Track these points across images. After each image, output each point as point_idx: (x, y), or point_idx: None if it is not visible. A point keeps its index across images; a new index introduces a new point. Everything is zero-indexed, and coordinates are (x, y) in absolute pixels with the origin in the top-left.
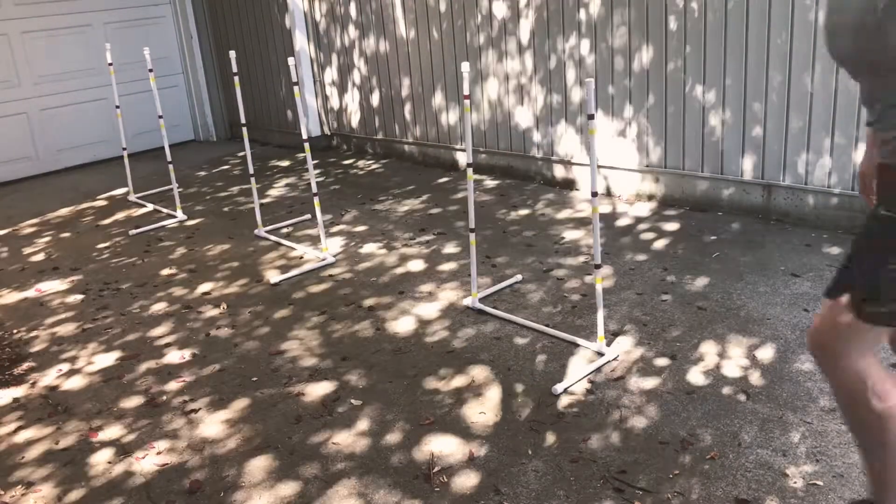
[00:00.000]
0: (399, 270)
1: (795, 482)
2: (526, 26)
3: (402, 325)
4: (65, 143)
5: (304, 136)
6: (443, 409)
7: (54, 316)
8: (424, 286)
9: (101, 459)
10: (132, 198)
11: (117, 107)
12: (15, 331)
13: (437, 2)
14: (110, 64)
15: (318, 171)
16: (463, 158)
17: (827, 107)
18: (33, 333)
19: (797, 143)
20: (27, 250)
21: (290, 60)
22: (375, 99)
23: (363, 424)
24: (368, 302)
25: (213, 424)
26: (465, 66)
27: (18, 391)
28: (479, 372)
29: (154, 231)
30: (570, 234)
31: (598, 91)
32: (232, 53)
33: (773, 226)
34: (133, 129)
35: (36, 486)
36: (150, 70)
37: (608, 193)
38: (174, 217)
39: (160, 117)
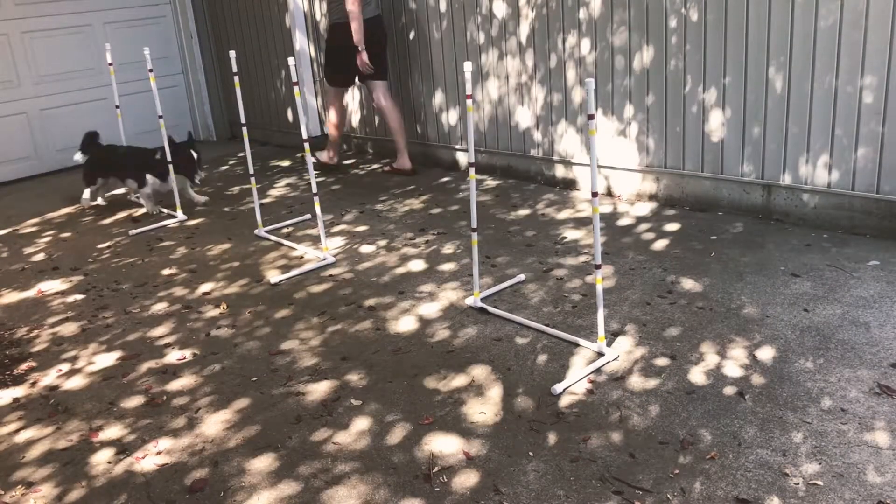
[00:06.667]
0: (399, 270)
1: (795, 482)
2: (526, 26)
3: (402, 325)
4: (65, 143)
5: (304, 136)
6: (443, 409)
7: (55, 316)
8: (425, 286)
9: (101, 459)
10: (132, 197)
11: (117, 107)
12: (16, 331)
13: (437, 2)
14: (110, 64)
15: (318, 171)
16: (463, 158)
17: (827, 107)
18: (34, 333)
19: (797, 143)
20: (27, 250)
21: (290, 60)
22: None
23: (363, 424)
24: (369, 302)
25: (213, 424)
26: (468, 66)
27: (18, 391)
28: (479, 372)
29: (154, 231)
30: (570, 234)
31: (599, 90)
32: (232, 53)
33: (773, 226)
34: (133, 128)
35: (36, 486)
36: (150, 70)
37: (608, 193)
38: (174, 217)
39: (160, 117)
